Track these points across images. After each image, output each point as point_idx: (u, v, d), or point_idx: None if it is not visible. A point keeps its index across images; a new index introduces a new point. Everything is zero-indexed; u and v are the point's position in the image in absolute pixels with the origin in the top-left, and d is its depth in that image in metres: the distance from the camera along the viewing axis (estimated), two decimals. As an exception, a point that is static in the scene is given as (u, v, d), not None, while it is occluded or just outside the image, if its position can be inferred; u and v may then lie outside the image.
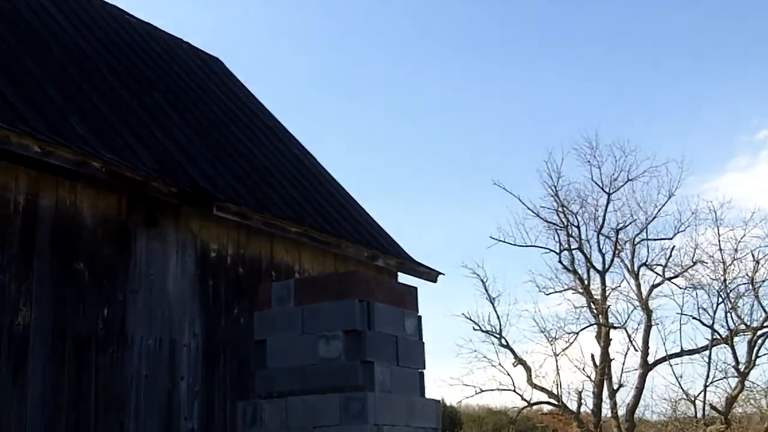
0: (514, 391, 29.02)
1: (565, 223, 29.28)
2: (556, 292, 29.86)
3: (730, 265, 27.30)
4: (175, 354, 8.50)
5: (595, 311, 29.05)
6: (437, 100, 51.07)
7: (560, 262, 29.41)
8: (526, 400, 29.32)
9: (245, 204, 9.13)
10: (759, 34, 42.46)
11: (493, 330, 29.06)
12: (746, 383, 26.38)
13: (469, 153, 50.91)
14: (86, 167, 7.52)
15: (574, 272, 29.30)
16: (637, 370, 28.20)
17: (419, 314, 7.82)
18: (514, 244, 29.57)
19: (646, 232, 28.88)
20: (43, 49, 9.29)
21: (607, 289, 28.92)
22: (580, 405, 28.67)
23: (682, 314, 27.38)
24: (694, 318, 27.34)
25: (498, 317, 29.18)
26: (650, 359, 28.06)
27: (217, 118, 11.76)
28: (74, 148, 7.47)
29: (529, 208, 29.65)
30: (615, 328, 28.57)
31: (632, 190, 29.19)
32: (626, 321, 28.75)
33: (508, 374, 29.16)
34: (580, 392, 28.76)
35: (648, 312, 28.09)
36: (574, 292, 29.63)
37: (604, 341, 28.61)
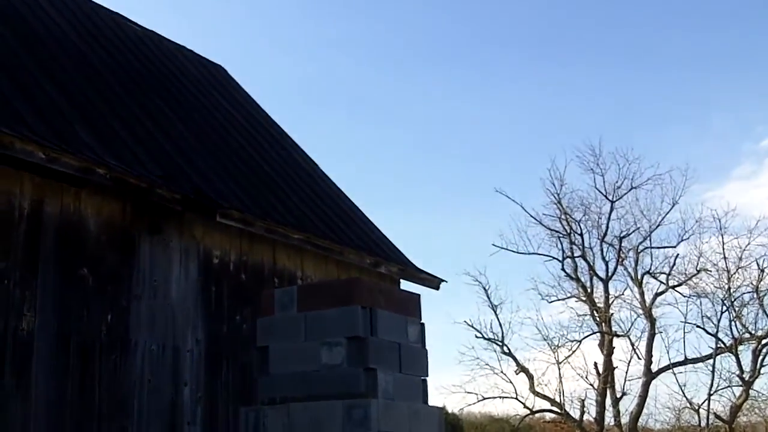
0: (517, 398, 29.02)
1: (568, 231, 29.28)
2: (559, 300, 29.87)
3: (734, 273, 27.28)
4: (178, 360, 8.53)
5: (598, 319, 29.03)
6: (439, 108, 51.04)
7: (563, 269, 29.42)
8: (528, 408, 29.30)
9: (248, 211, 9.17)
10: (764, 41, 42.46)
11: (496, 338, 29.06)
12: (751, 392, 26.33)
13: (472, 161, 50.87)
14: (91, 174, 7.56)
15: (577, 280, 29.30)
16: (640, 378, 28.16)
17: (422, 321, 7.84)
18: (517, 252, 29.58)
19: (650, 240, 28.88)
20: (48, 56, 9.35)
21: (610, 297, 28.90)
22: (582, 413, 28.63)
23: (685, 323, 27.36)
24: (698, 326, 27.31)
25: (500, 325, 29.18)
26: (654, 368, 28.03)
27: (219, 125, 11.81)
28: (79, 155, 7.51)
29: (531, 216, 29.67)
30: (618, 336, 28.55)
31: (636, 198, 29.19)
32: (629, 329, 28.73)
33: (511, 382, 29.16)
34: (583, 400, 28.74)
35: (651, 320, 28.06)
36: (577, 300, 29.63)
37: (607, 349, 28.59)
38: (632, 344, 28.34)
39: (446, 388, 30.03)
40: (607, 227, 29.02)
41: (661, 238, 32.62)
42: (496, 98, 49.26)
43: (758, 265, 27.15)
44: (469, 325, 29.22)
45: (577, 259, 29.28)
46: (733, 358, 26.37)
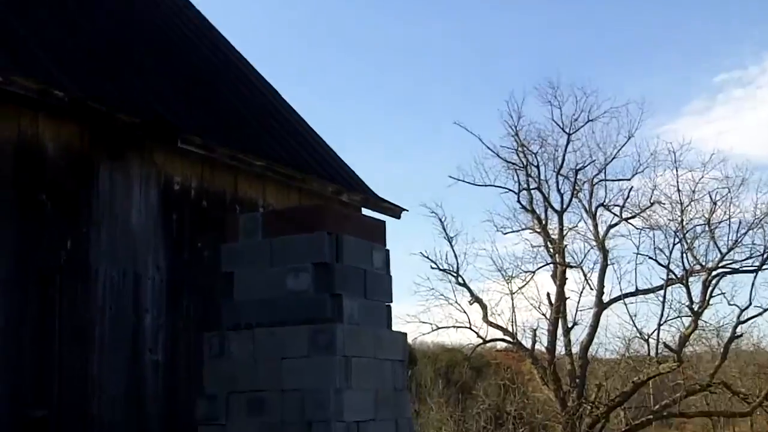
0: (470, 328, 29.40)
1: (525, 163, 29.41)
2: (514, 231, 30.15)
3: (687, 206, 27.65)
4: (139, 287, 8.45)
5: (551, 251, 29.36)
6: (401, 40, 50.67)
7: (519, 201, 29.62)
8: (481, 338, 29.72)
9: (210, 137, 9.02)
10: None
11: (451, 269, 29.32)
12: (699, 323, 26.91)
13: (431, 93, 50.73)
14: (49, 96, 7.36)
15: (532, 212, 29.54)
16: (591, 308, 28.63)
17: (387, 248, 7.85)
18: (474, 184, 29.72)
19: (605, 173, 29.12)
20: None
21: (564, 228, 29.22)
22: (534, 342, 29.12)
23: (638, 254, 27.77)
24: (650, 258, 27.72)
25: (455, 256, 29.42)
26: (605, 298, 28.49)
27: (180, 51, 11.57)
28: (36, 77, 7.30)
29: (489, 148, 29.72)
30: (571, 267, 28.93)
31: (592, 131, 29.31)
32: (582, 260, 29.12)
33: (465, 312, 29.50)
34: (535, 330, 29.19)
35: (604, 252, 28.43)
36: (531, 231, 29.93)
37: (560, 280, 28.98)
38: (585, 275, 28.78)
39: (401, 318, 30.28)
40: (563, 160, 29.19)
41: (616, 170, 32.98)
42: (457, 30, 48.96)
43: (711, 198, 27.57)
44: (424, 256, 29.44)
45: (532, 191, 29.50)
46: (684, 289, 26.87)
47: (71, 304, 7.76)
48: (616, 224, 28.76)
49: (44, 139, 7.71)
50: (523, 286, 29.33)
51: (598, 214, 28.89)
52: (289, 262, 7.14)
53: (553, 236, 29.26)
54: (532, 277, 29.41)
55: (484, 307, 29.11)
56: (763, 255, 26.74)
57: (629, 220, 28.61)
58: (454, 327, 29.64)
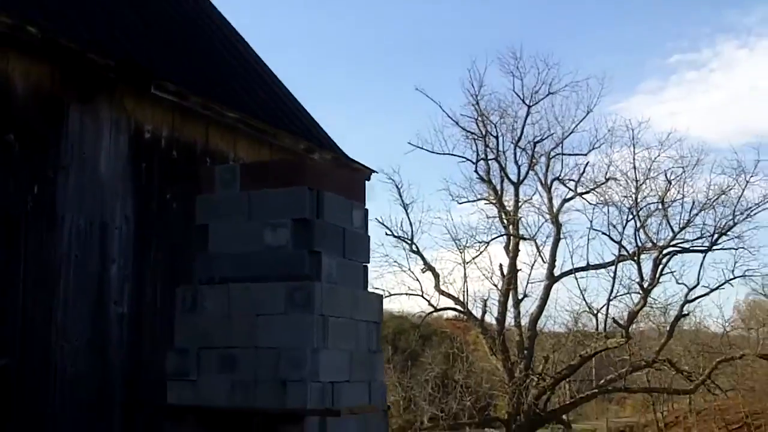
0: (422, 296, 29.44)
1: (484, 133, 29.34)
2: (469, 201, 30.17)
3: (642, 183, 27.85)
4: (105, 236, 8.20)
5: (506, 222, 29.43)
6: (367, 5, 50.17)
7: (476, 171, 29.57)
8: (433, 306, 29.77)
9: (183, 85, 8.75)
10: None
11: (405, 236, 29.27)
12: (648, 300, 27.20)
13: (395, 60, 50.42)
14: (21, 32, 7.06)
15: (489, 183, 29.52)
16: (542, 281, 28.80)
17: (366, 207, 7.68)
18: (432, 152, 29.61)
19: (562, 147, 29.17)
20: None
21: (519, 201, 29.29)
22: (484, 313, 29.26)
23: (591, 229, 27.94)
24: (603, 233, 27.90)
25: (410, 224, 29.35)
26: (556, 272, 28.66)
27: (157, 1, 11.19)
28: (9, 13, 6.97)
29: (449, 116, 29.64)
30: (525, 239, 29.04)
31: (552, 104, 29.46)
32: (536, 233, 29.26)
33: (417, 280, 29.52)
34: (486, 300, 29.33)
35: (558, 225, 28.57)
36: (486, 202, 29.94)
37: (513, 252, 29.08)
38: (537, 248, 28.90)
39: (353, 283, 30.17)
40: (522, 131, 29.17)
41: (573, 145, 33.07)
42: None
43: (666, 176, 27.80)
44: (379, 222, 29.31)
45: (490, 162, 29.45)
46: (635, 265, 27.11)
47: (36, 250, 7.49)
48: (570, 198, 28.91)
49: (14, 78, 7.39)
50: (477, 257, 29.42)
51: (553, 187, 29.00)
52: (267, 217, 6.94)
53: (508, 208, 29.31)
54: (485, 248, 29.50)
55: (436, 275, 29.13)
56: (713, 235, 27.09)
57: (584, 195, 28.77)
58: (406, 294, 29.67)
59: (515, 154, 29.27)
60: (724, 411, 54.06)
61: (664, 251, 27.05)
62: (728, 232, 26.85)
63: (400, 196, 29.27)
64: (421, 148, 29.48)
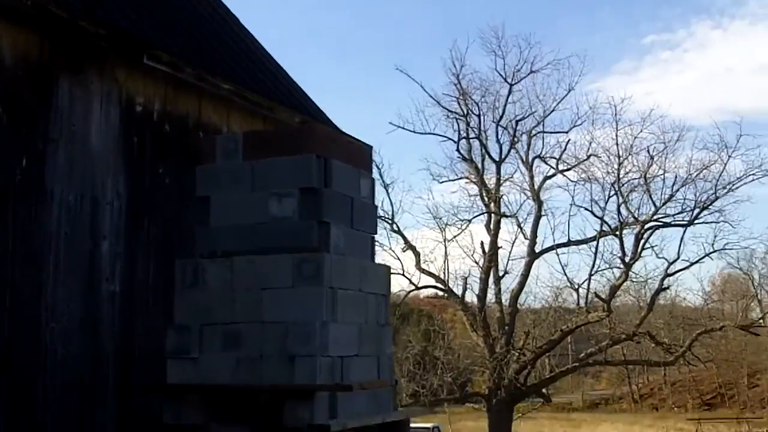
0: (403, 275, 29.35)
1: (465, 112, 29.24)
2: (450, 180, 30.13)
3: (624, 159, 27.88)
4: (97, 212, 7.90)
5: (487, 200, 29.34)
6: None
7: (458, 150, 29.50)
8: (414, 284, 29.68)
9: (177, 56, 8.44)
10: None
11: (386, 215, 29.11)
12: (629, 274, 27.26)
13: (375, 39, 50.10)
14: (10, -2, 6.73)
15: (470, 161, 29.43)
16: (523, 258, 28.78)
17: (372, 177, 7.44)
18: (414, 131, 29.59)
19: (543, 125, 29.19)
20: None
21: (501, 179, 29.21)
22: (465, 290, 29.23)
23: (573, 205, 27.99)
24: (585, 209, 27.99)
25: (391, 203, 29.33)
26: (537, 248, 28.64)
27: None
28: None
29: (430, 95, 29.60)
30: (506, 216, 29.01)
31: (533, 83, 29.42)
32: (517, 211, 29.25)
33: (398, 259, 29.50)
34: (466, 278, 29.29)
35: (539, 202, 28.53)
36: (468, 181, 29.87)
37: (494, 230, 29.02)
38: (519, 225, 28.91)
39: (333, 262, 30.01)
40: (504, 110, 29.13)
41: (554, 123, 33.00)
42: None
43: (648, 152, 27.86)
44: (360, 201, 29.06)
45: (471, 141, 29.38)
46: (617, 240, 27.19)
47: (25, 226, 7.19)
48: (551, 176, 28.93)
49: (1, 47, 7.07)
50: (458, 235, 29.40)
51: (534, 165, 28.99)
52: (272, 187, 6.70)
53: (489, 186, 29.21)
54: (467, 226, 29.47)
55: (417, 254, 29.04)
56: (693, 210, 27.20)
57: (565, 173, 28.79)
58: (387, 272, 29.48)
59: (497, 132, 29.26)
60: (699, 382, 54.74)
61: (646, 226, 27.11)
62: (710, 206, 26.96)
63: (381, 176, 29.21)
64: (402, 128, 29.45)
